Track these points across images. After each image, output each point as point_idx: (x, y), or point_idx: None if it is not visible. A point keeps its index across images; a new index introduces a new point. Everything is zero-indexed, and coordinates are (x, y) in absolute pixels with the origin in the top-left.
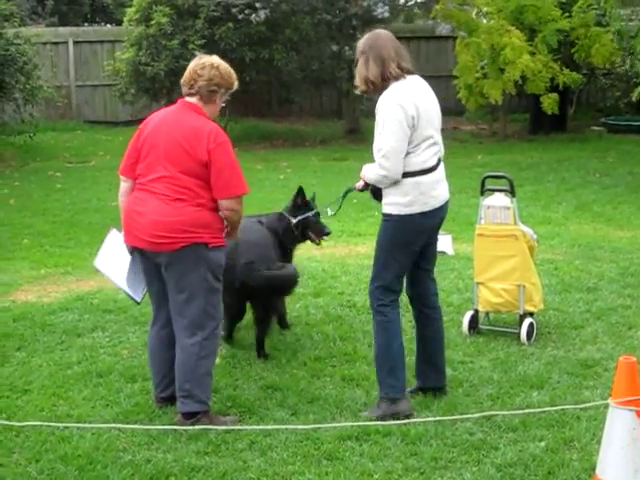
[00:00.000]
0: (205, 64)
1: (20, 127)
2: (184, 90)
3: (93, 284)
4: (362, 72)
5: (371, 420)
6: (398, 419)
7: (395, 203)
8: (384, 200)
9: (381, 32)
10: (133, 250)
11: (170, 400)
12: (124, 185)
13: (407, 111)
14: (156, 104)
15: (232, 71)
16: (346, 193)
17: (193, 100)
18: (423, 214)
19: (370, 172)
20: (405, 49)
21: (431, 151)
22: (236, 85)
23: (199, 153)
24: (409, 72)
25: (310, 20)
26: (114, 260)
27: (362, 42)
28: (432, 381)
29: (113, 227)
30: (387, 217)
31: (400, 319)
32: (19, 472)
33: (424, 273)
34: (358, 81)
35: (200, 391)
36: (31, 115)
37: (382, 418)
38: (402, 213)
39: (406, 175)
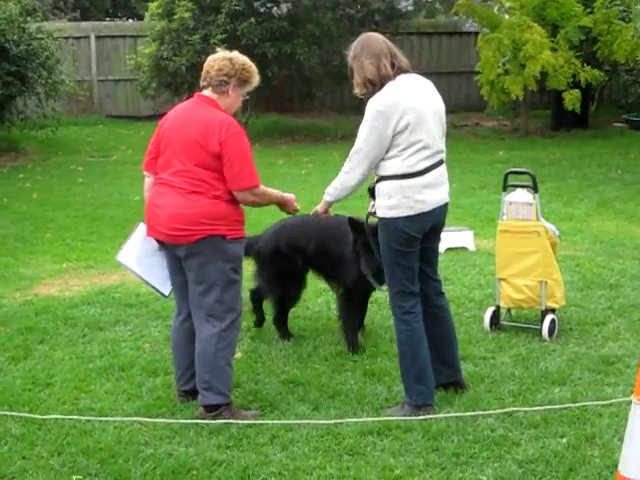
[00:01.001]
0: (218, 57)
1: (42, 121)
2: (201, 84)
3: (115, 278)
4: (359, 75)
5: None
6: None
7: (382, 206)
8: (376, 202)
9: (371, 34)
10: (161, 243)
11: (192, 394)
12: (147, 180)
13: (390, 117)
14: (177, 99)
15: (249, 65)
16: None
17: (207, 93)
18: (409, 218)
19: (332, 184)
20: (399, 49)
21: (419, 155)
22: (254, 80)
23: (211, 145)
24: (404, 70)
25: (332, 15)
26: (141, 254)
27: (352, 48)
28: (444, 377)
29: (140, 221)
30: (379, 220)
31: (422, 325)
32: (41, 465)
33: (424, 274)
34: (357, 86)
35: (220, 383)
36: (53, 109)
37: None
38: (387, 216)
39: (390, 178)
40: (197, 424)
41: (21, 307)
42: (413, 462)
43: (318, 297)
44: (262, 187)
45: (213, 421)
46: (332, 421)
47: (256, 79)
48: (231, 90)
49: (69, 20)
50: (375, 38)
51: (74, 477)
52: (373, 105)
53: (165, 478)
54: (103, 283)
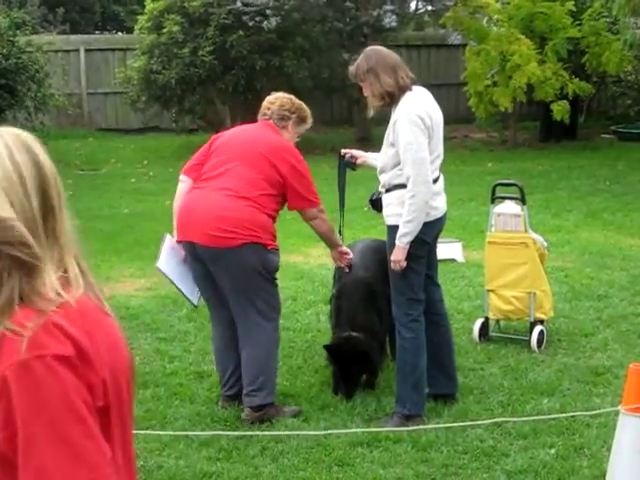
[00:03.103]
0: (278, 95)
1: (32, 134)
2: (259, 118)
3: (105, 290)
4: (376, 88)
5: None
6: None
7: (396, 214)
8: (386, 211)
9: (378, 47)
10: (192, 249)
11: (236, 398)
12: (182, 186)
13: (425, 122)
14: (167, 112)
15: (305, 107)
16: None
17: (270, 122)
18: (425, 224)
19: (406, 218)
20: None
21: (434, 165)
22: (309, 121)
23: (280, 166)
24: (414, 82)
25: (321, 28)
26: (173, 263)
27: (363, 62)
28: (443, 388)
29: (166, 233)
30: (391, 229)
31: (425, 335)
32: None
33: (427, 280)
34: (373, 99)
35: (271, 382)
36: (42, 123)
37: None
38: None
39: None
40: (187, 436)
41: None
42: (402, 473)
43: (307, 309)
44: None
45: (202, 433)
46: (322, 432)
47: (310, 121)
48: (290, 126)
49: (58, 33)
50: (386, 51)
51: None
52: (408, 114)
53: None
54: None
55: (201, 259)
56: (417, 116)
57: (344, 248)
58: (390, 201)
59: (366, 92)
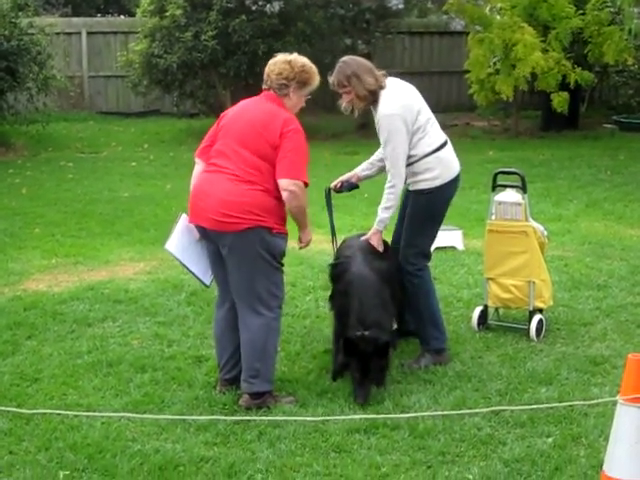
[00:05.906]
0: (278, 60)
1: (33, 117)
2: (263, 87)
3: (104, 274)
4: (360, 90)
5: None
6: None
7: (424, 180)
8: (410, 179)
9: (350, 56)
10: (203, 231)
11: (233, 382)
12: (197, 168)
13: (405, 117)
14: (168, 96)
15: (309, 66)
16: None
17: (271, 92)
18: (448, 184)
19: (385, 205)
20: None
21: (436, 127)
22: (314, 81)
23: (272, 135)
24: (386, 76)
25: (323, 14)
26: (185, 243)
27: (343, 70)
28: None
29: (182, 212)
30: (419, 192)
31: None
32: (29, 460)
33: None
34: (358, 101)
35: (268, 370)
36: (44, 104)
37: (426, 367)
38: (433, 186)
39: (425, 156)
40: (184, 420)
41: (10, 302)
42: (399, 460)
43: (306, 295)
44: (304, 190)
45: (200, 417)
46: (319, 418)
47: (316, 80)
48: (292, 92)
49: (60, 16)
50: (357, 58)
51: (61, 472)
52: (384, 116)
53: (152, 474)
54: (92, 279)
55: (213, 240)
56: (391, 115)
57: (308, 234)
58: (416, 172)
59: (348, 97)
